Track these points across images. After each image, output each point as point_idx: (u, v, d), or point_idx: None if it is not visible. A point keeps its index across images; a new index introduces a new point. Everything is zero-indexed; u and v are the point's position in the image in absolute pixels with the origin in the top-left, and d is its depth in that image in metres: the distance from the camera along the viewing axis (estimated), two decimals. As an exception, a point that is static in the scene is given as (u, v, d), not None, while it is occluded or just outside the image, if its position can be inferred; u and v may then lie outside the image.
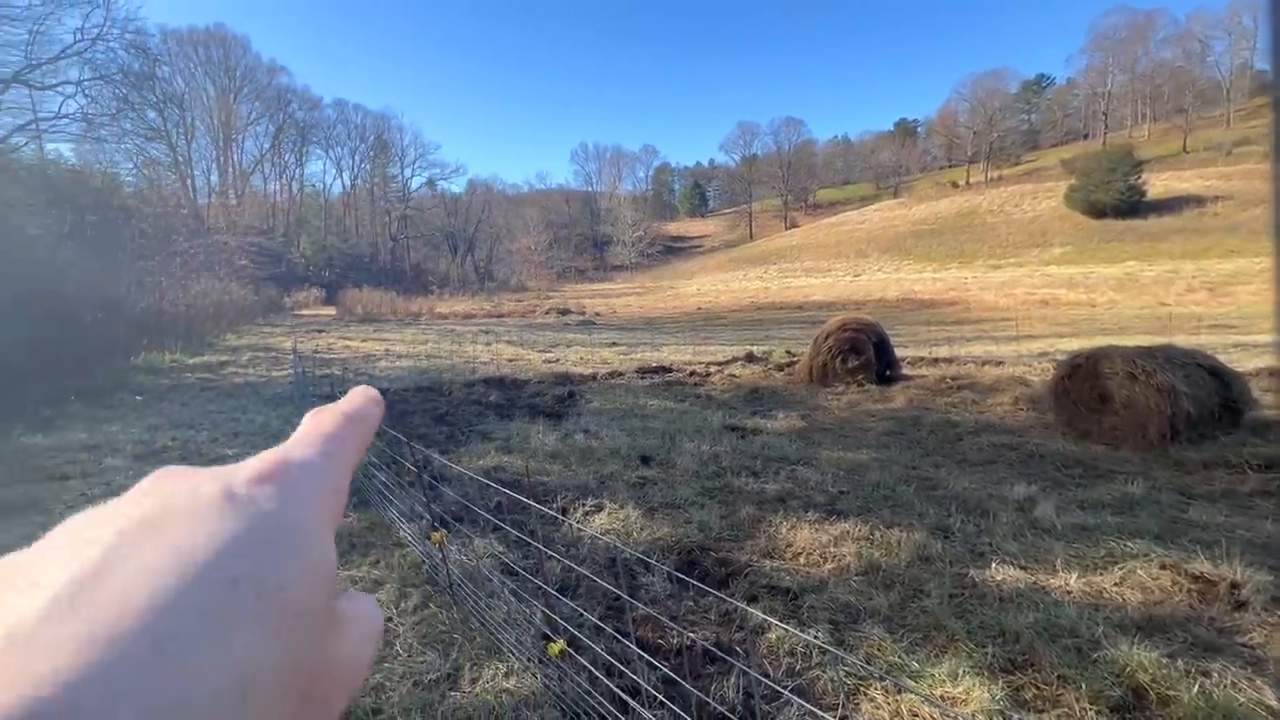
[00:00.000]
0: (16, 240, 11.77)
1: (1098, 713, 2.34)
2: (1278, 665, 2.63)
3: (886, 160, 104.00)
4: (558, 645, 2.41)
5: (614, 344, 21.09)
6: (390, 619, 3.19)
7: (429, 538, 3.46)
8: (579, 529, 4.20)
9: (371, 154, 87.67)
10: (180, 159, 57.47)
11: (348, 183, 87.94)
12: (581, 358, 16.10)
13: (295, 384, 10.49)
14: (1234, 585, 3.23)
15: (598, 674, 2.38)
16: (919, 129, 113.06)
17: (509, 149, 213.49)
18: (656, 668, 2.47)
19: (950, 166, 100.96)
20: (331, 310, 42.19)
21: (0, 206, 12.12)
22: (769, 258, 75.60)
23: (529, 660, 2.72)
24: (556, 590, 3.26)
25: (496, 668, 2.72)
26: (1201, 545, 3.73)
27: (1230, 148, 65.81)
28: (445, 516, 4.25)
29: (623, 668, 2.37)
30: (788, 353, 15.27)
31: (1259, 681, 2.47)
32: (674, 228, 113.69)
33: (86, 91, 21.73)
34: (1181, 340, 11.36)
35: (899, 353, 11.60)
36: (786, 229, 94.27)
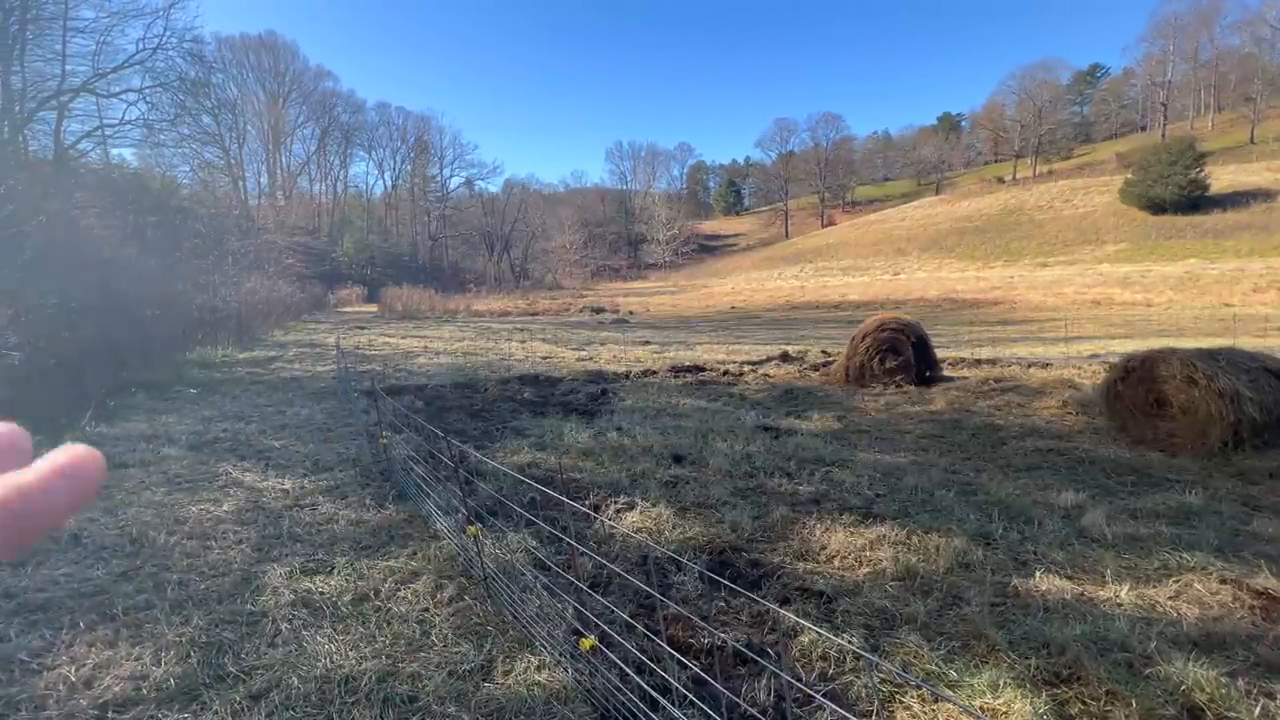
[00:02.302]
0: (85, 241, 12.46)
1: (1149, 731, 2.24)
2: None
3: (928, 156, 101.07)
4: (589, 641, 2.42)
5: (647, 342, 21.09)
6: (427, 609, 3.26)
7: (464, 531, 3.53)
8: (611, 526, 4.23)
9: (412, 155, 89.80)
10: (233, 162, 59.97)
11: (389, 183, 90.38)
12: (615, 356, 16.15)
13: (338, 379, 10.83)
14: (1302, 603, 3.05)
15: (628, 671, 2.39)
16: (963, 123, 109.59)
17: (545, 148, 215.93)
18: (687, 667, 2.47)
19: (996, 161, 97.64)
20: (373, 307, 43.43)
21: (70, 209, 12.84)
22: (805, 256, 74.47)
23: (560, 655, 2.75)
24: (588, 586, 3.28)
25: (529, 661, 2.76)
26: (1266, 560, 3.52)
27: (1303, 138, 61.83)
28: (480, 511, 4.32)
29: (653, 665, 2.38)
30: (823, 352, 15.02)
31: (1329, 706, 2.33)
32: (708, 226, 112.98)
33: (147, 98, 22.84)
34: (1247, 343, 10.76)
35: (939, 353, 11.29)
36: (823, 227, 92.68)
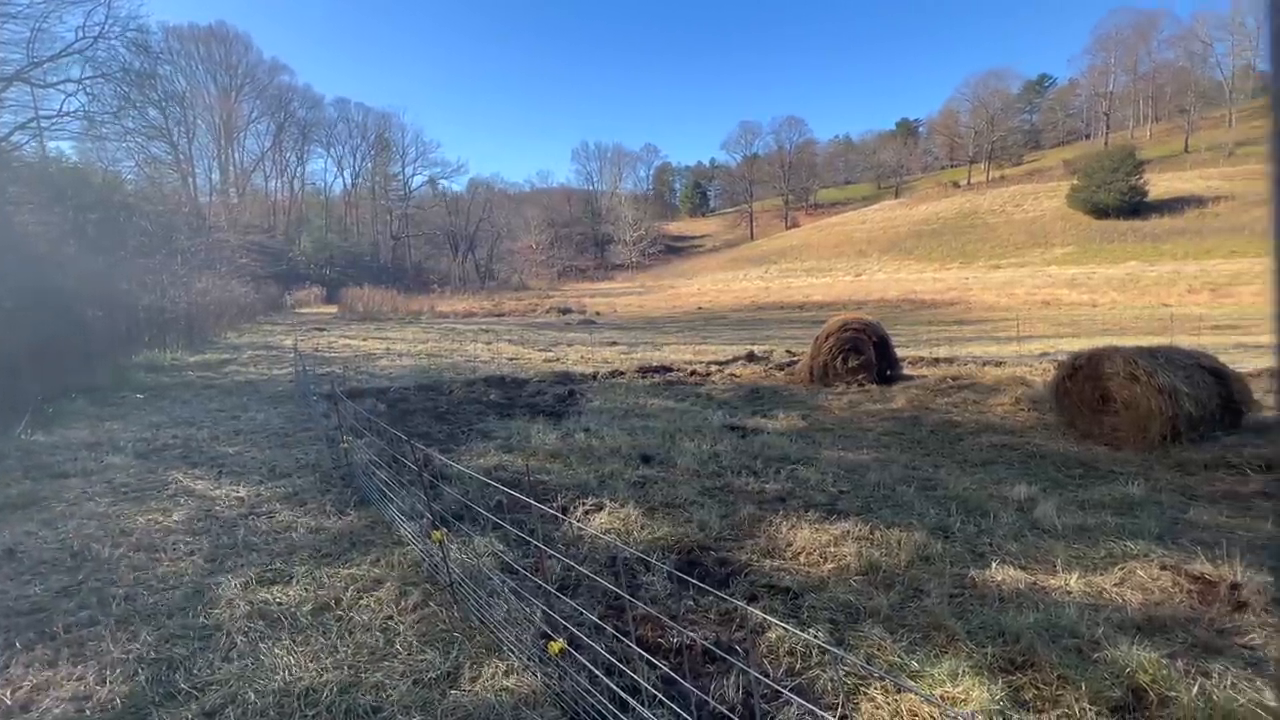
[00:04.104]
0: (19, 238, 11.78)
1: (1097, 713, 2.34)
2: (1278, 666, 2.63)
3: (888, 160, 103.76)
4: (558, 644, 2.41)
5: (614, 343, 21.08)
6: (391, 617, 3.19)
7: (429, 536, 3.46)
8: (579, 528, 4.21)
9: (373, 152, 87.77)
10: (182, 157, 57.57)
11: (349, 181, 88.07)
12: (582, 356, 16.10)
13: (296, 382, 10.51)
14: (1234, 586, 3.23)
15: (598, 673, 2.38)
16: (920, 129, 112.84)
17: (510, 148, 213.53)
18: (656, 667, 2.48)
19: (952, 166, 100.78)
20: (332, 308, 42.27)
21: (2, 205, 12.12)
22: (770, 257, 75.53)
23: (529, 659, 2.72)
24: (556, 589, 3.26)
25: (496, 666, 2.73)
26: (1202, 546, 3.72)
27: (1232, 148, 65.68)
28: (445, 515, 4.25)
29: (623, 667, 2.37)
30: (788, 352, 15.27)
31: (1259, 682, 2.47)
32: (675, 227, 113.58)
33: (88, 89, 21.70)
34: (1183, 341, 11.35)
35: (899, 352, 11.59)
36: (787, 228, 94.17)
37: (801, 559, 3.82)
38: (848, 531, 4.09)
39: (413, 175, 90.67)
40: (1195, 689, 2.42)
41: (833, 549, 3.87)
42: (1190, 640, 2.82)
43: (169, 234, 22.08)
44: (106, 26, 21.32)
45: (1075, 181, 58.83)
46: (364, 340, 20.64)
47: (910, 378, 10.59)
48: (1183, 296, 31.65)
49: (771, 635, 2.89)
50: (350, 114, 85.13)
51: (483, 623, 3.04)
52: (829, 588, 3.41)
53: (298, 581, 3.59)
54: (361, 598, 3.40)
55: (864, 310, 30.80)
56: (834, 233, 77.61)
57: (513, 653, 2.79)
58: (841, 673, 2.61)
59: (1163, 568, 3.49)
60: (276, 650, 2.86)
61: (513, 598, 3.11)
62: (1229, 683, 2.46)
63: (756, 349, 16.43)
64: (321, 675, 2.67)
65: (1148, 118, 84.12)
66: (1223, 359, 6.89)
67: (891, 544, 3.91)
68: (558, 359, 15.56)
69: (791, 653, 2.79)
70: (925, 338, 20.78)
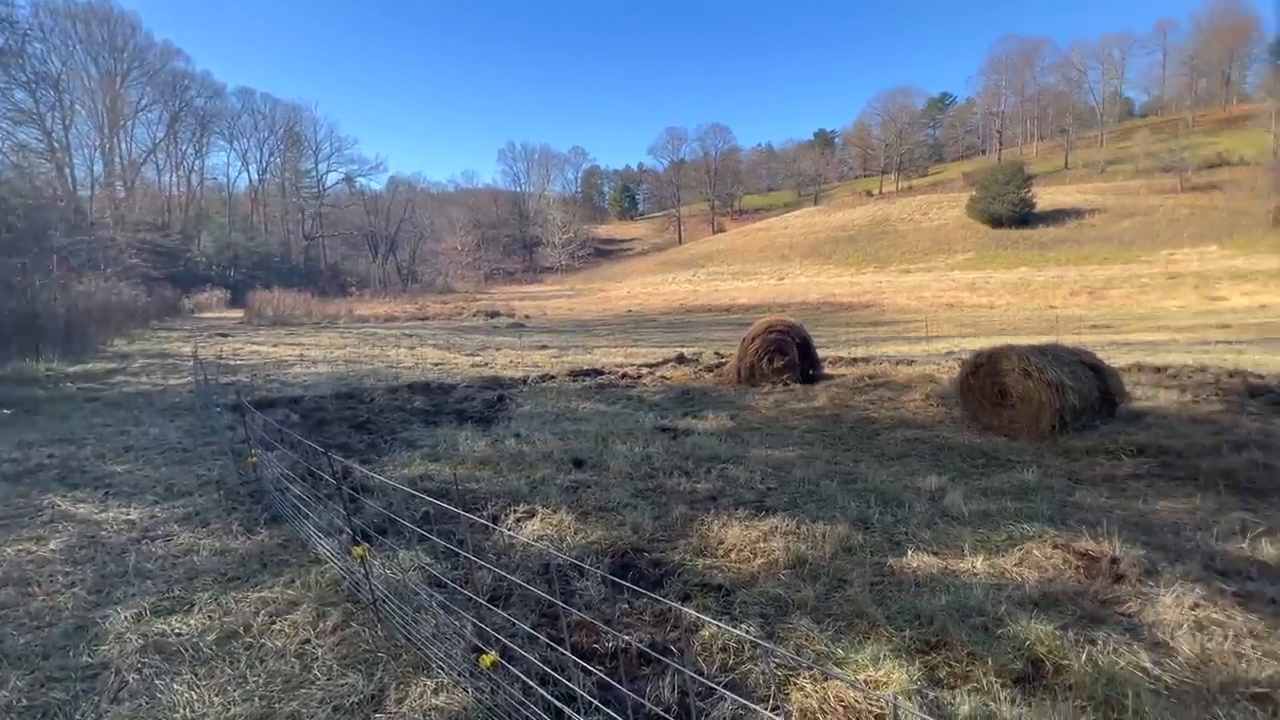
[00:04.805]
0: None
1: (1002, 685, 2.52)
2: None
3: (807, 169, 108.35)
4: (489, 657, 2.34)
5: (545, 347, 20.83)
6: (307, 641, 2.99)
7: (350, 553, 3.28)
8: (511, 536, 4.11)
9: (282, 147, 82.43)
10: (57, 145, 51.82)
11: (255, 177, 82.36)
12: (511, 361, 15.80)
13: (196, 392, 9.70)
14: (1113, 560, 3.58)
15: (532, 684, 2.34)
16: (837, 140, 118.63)
17: (433, 146, 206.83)
18: (592, 673, 2.45)
19: (865, 176, 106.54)
20: (238, 313, 39.35)
21: None
22: (698, 261, 77.02)
23: (459, 675, 2.63)
24: (488, 600, 3.17)
25: (424, 685, 2.61)
26: (1086, 525, 4.10)
27: (1104, 166, 73.10)
28: (367, 529, 4.05)
29: (557, 676, 2.34)
30: (717, 354, 15.61)
31: (1135, 646, 2.75)
32: (604, 230, 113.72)
33: (-62, 66, 19.21)
34: (1067, 339, 12.50)
35: (821, 353, 12.10)
36: (714, 233, 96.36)
37: (733, 556, 3.90)
38: (776, 527, 4.22)
39: (327, 172, 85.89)
40: (1084, 656, 2.66)
41: (762, 545, 3.97)
42: (1079, 612, 3.09)
43: (41, 230, 19.83)
44: (-38, -3, 18.93)
45: (973, 193, 63.62)
46: (274, 346, 19.34)
47: (831, 377, 11.08)
48: (1066, 299, 34.88)
49: (705, 633, 2.93)
50: (256, 105, 79.62)
51: (409, 640, 2.91)
52: (759, 583, 3.50)
53: (200, 609, 3.31)
54: (274, 622, 3.17)
55: (787, 312, 31.98)
56: (758, 238, 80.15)
57: (442, 669, 2.69)
58: (772, 665, 2.68)
59: (1054, 547, 3.81)
60: (176, 686, 2.62)
61: (441, 612, 3.00)
62: (1112, 648, 2.72)
63: (686, 351, 16.69)
64: (229, 709, 2.47)
65: (1034, 136, 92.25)
66: (1099, 355, 7.64)
67: (817, 537, 4.06)
68: (486, 363, 15.19)
69: (725, 649, 2.84)
70: (844, 338, 21.81)
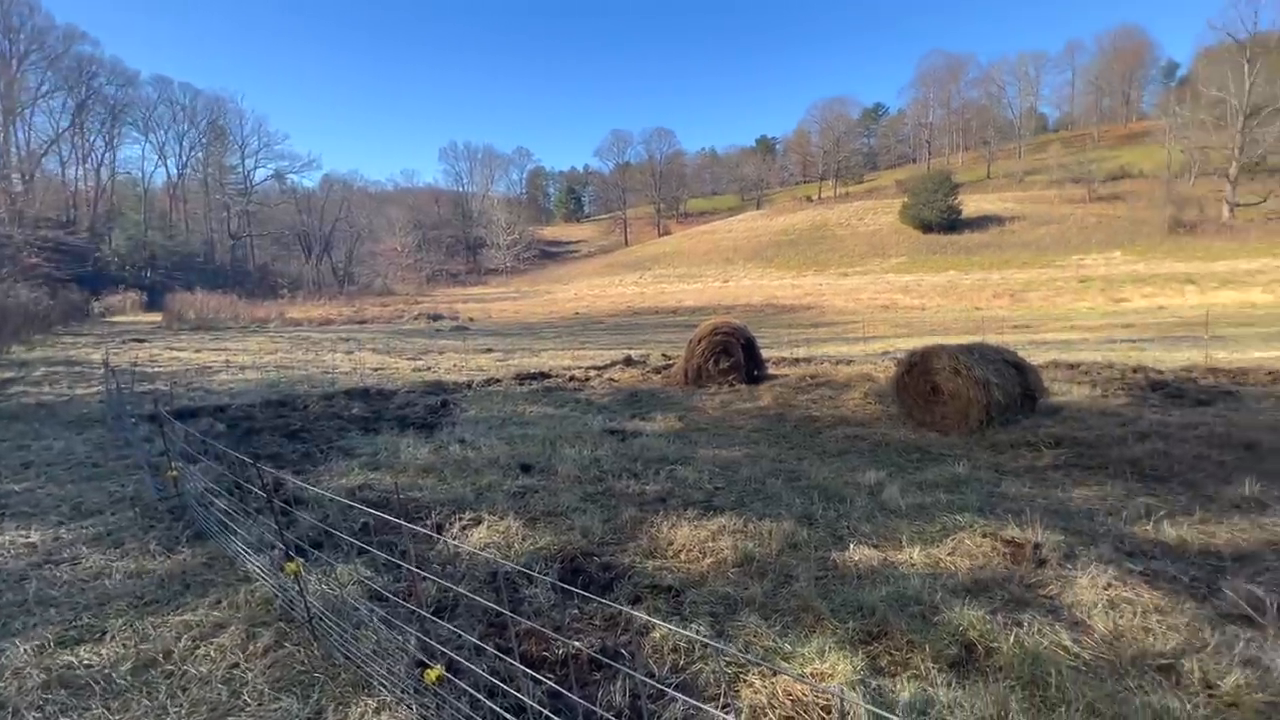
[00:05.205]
0: None
1: (939, 670, 2.64)
2: None
3: (750, 174, 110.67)
4: (435, 671, 2.26)
5: (490, 350, 20.44)
6: (236, 665, 2.82)
7: (282, 569, 3.11)
8: (456, 545, 4.00)
9: (204, 140, 77.66)
10: (-60, 133, 47.04)
11: (174, 171, 77.24)
12: (455, 365, 15.42)
13: (108, 403, 9.00)
14: (1036, 546, 3.81)
15: (479, 697, 2.27)
16: (778, 146, 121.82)
17: (371, 144, 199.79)
18: (542, 682, 2.41)
19: (805, 182, 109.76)
20: (156, 316, 36.76)
21: None
22: (644, 263, 77.38)
23: (402, 692, 2.53)
24: (432, 613, 3.08)
25: (365, 704, 2.51)
26: (1012, 514, 4.35)
27: (1022, 176, 77.94)
28: (302, 544, 3.86)
29: (506, 687, 2.29)
30: (664, 355, 15.72)
31: (1057, 626, 2.93)
32: (550, 232, 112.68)
33: None
34: (991, 339, 13.23)
35: (765, 354, 12.38)
36: (660, 236, 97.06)
37: (682, 556, 3.92)
38: (724, 526, 4.28)
39: (255, 168, 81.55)
40: (1012, 639, 2.82)
41: (711, 544, 4.02)
42: (1007, 596, 3.28)
43: (-77, 226, 17.94)
44: None
45: (905, 200, 66.62)
46: (197, 352, 18.18)
47: (775, 377, 11.35)
48: (989, 300, 36.97)
49: (656, 635, 2.94)
50: (174, 95, 74.67)
51: (348, 658, 2.78)
52: (708, 582, 3.53)
53: (113, 637, 3.06)
54: (199, 647, 2.97)
55: (732, 314, 32.55)
56: (703, 241, 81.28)
57: (384, 687, 2.58)
58: (723, 663, 2.71)
59: (984, 536, 4.02)
60: (85, 722, 2.41)
61: (383, 627, 2.88)
62: (1036, 629, 2.90)
63: (634, 353, 16.74)
64: (147, 744, 2.29)
65: (960, 147, 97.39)
66: (1020, 354, 8.13)
67: (764, 535, 4.14)
68: (429, 368, 14.76)
69: (675, 649, 2.85)
70: (787, 339, 22.39)
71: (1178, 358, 12.16)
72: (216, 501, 4.25)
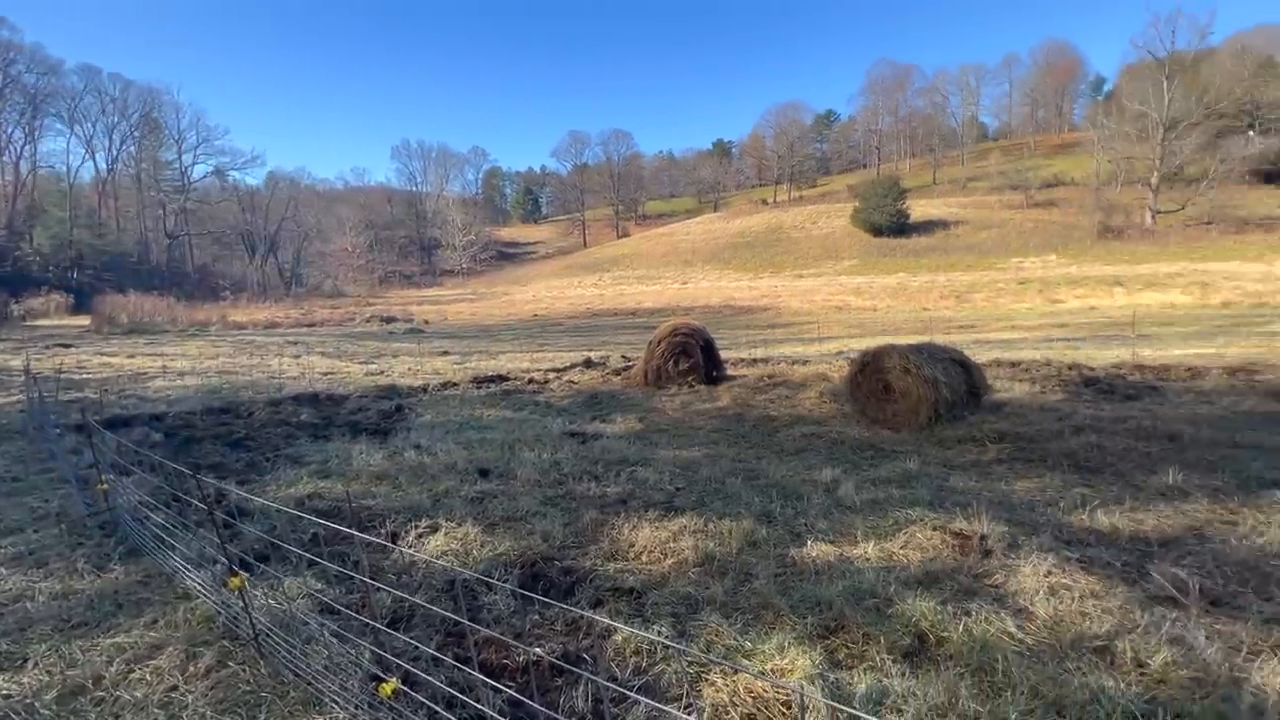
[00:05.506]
0: None
1: (894, 661, 2.71)
2: None
3: (707, 176, 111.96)
4: (390, 685, 2.19)
5: (446, 353, 20.03)
6: (175, 688, 2.66)
7: (226, 584, 2.96)
8: (412, 554, 3.90)
9: (137, 134, 73.61)
10: None
11: (104, 166, 72.91)
12: (410, 368, 15.04)
13: (29, 412, 8.41)
14: (983, 538, 3.97)
15: (437, 709, 2.22)
16: (734, 150, 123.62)
17: (319, 140, 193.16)
18: (501, 691, 2.37)
19: (760, 185, 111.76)
20: (84, 320, 34.60)
21: None
22: (603, 265, 77.28)
23: (356, 707, 2.45)
24: (387, 625, 2.98)
25: (316, 723, 2.41)
26: (960, 507, 4.52)
27: (965, 182, 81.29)
28: (246, 557, 3.68)
29: (465, 698, 2.24)
30: (624, 357, 15.73)
31: (1002, 613, 3.05)
32: (507, 233, 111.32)
33: None
34: (939, 338, 13.74)
35: (723, 354, 12.52)
36: (619, 237, 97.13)
37: (644, 558, 3.92)
38: (685, 526, 4.30)
39: (193, 164, 77.78)
40: (961, 627, 2.92)
41: (672, 545, 4.03)
42: (956, 587, 3.40)
43: None
44: None
45: (857, 204, 68.59)
46: (130, 358, 17.19)
47: (734, 377, 11.49)
48: (936, 302, 38.38)
49: (618, 638, 2.92)
50: (102, 86, 70.56)
51: (297, 675, 2.67)
52: (670, 583, 3.54)
53: (36, 664, 2.86)
54: (133, 670, 2.80)
55: (691, 316, 32.84)
56: (662, 242, 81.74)
57: (336, 703, 2.49)
58: (685, 664, 2.72)
59: (934, 529, 4.17)
60: (3, 757, 2.24)
61: (335, 641, 2.78)
62: (984, 618, 3.01)
63: (593, 355, 16.68)
64: (74, 777, 2.14)
65: (907, 153, 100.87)
66: (966, 353, 8.46)
67: (724, 534, 4.18)
68: (382, 371, 14.35)
69: (638, 651, 2.84)
70: (745, 340, 22.71)
71: (1108, 355, 12.88)
72: (152, 516, 4.02)
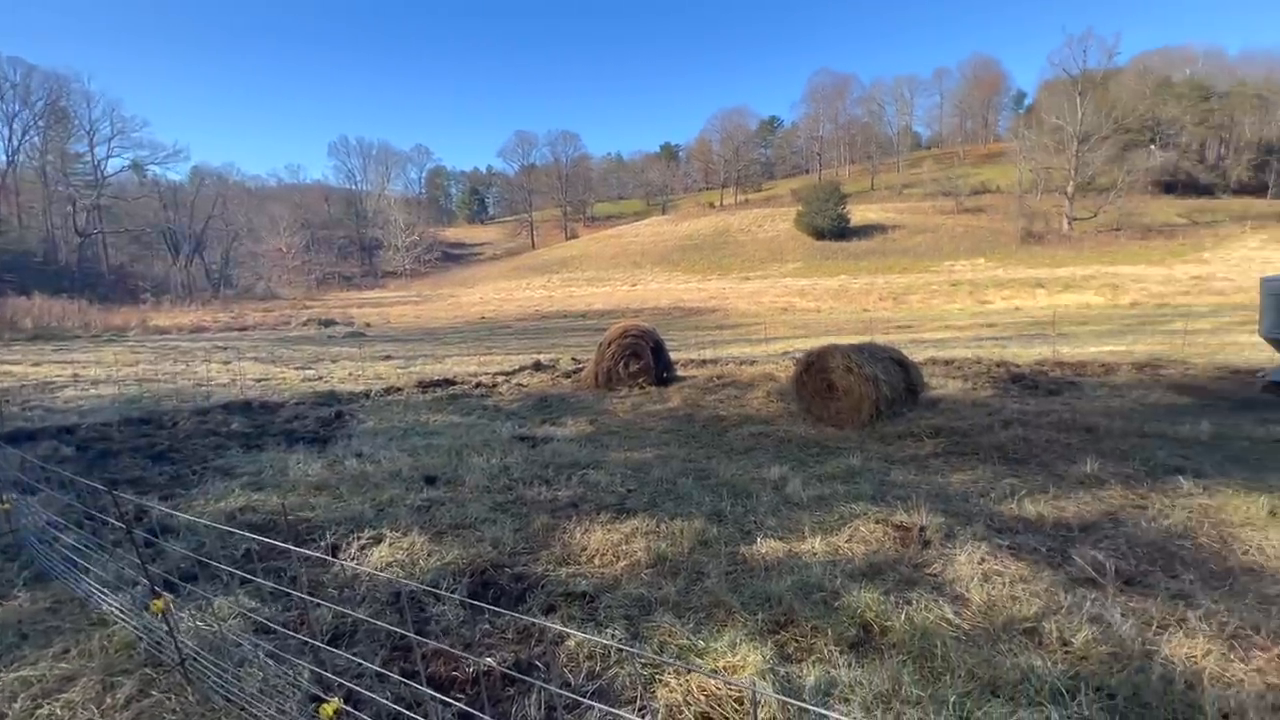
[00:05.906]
0: None
1: (841, 652, 2.79)
2: None
3: (655, 179, 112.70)
4: (332, 705, 2.10)
5: (389, 357, 19.40)
6: (89, 722, 2.47)
7: (148, 608, 2.77)
8: (354, 567, 3.75)
9: (42, 124, 67.97)
10: None
11: (2, 158, 67.00)
12: (351, 373, 14.48)
13: (-85, 427, 7.63)
14: (922, 529, 4.14)
15: (383, 727, 2.13)
16: (681, 153, 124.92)
17: (249, 135, 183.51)
18: (450, 704, 2.30)
19: (708, 189, 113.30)
20: (-20, 325, 31.65)
21: None
22: (551, 267, 76.60)
23: (295, 731, 2.33)
24: (328, 642, 2.85)
25: (251, 750, 2.28)
26: (900, 500, 4.70)
27: (901, 188, 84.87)
28: (170, 578, 3.46)
29: (411, 714, 2.16)
30: (574, 359, 15.63)
31: (941, 601, 3.19)
32: (452, 234, 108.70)
33: None
34: (879, 338, 14.28)
35: (673, 355, 12.63)
36: (568, 239, 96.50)
37: (596, 561, 3.90)
38: (637, 528, 4.30)
39: (108, 157, 72.28)
40: (903, 616, 3.04)
41: (624, 547, 4.03)
42: (898, 577, 3.53)
43: None
44: None
45: (800, 209, 70.56)
46: (35, 366, 15.85)
47: (684, 378, 11.60)
48: (876, 303, 39.88)
49: (571, 643, 2.89)
50: (1, 70, 64.86)
51: (229, 700, 2.52)
52: (623, 585, 3.54)
53: (-76, 705, 2.59)
54: (40, 706, 2.57)
55: (641, 317, 32.95)
56: (611, 244, 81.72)
57: (273, 728, 2.36)
58: (638, 666, 2.72)
59: (876, 522, 4.32)
60: (-115, 812, 2.02)
61: (270, 662, 2.64)
62: (924, 606, 3.14)
63: (543, 357, 16.51)
64: (-29, 828, 1.95)
65: (847, 160, 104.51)
66: (904, 352, 8.83)
67: (676, 534, 4.21)
68: (320, 377, 13.76)
69: (591, 656, 2.82)
70: (694, 341, 22.96)
71: (1032, 353, 13.71)
72: (62, 536, 3.72)
